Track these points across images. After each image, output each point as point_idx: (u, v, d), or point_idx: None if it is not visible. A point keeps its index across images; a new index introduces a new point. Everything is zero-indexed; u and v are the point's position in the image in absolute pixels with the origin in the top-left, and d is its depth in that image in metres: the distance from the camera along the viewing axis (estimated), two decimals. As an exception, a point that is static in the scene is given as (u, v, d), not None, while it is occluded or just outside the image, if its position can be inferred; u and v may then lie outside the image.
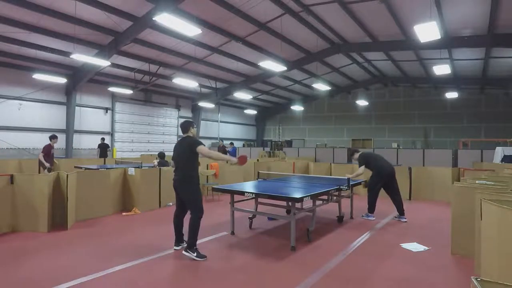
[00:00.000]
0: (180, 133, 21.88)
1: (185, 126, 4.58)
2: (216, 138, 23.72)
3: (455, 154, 14.47)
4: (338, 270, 3.92)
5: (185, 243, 4.57)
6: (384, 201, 7.05)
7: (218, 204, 8.07)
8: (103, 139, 15.57)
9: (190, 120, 4.87)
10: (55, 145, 9.39)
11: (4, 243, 4.78)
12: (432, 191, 9.01)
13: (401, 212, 6.60)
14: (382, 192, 6.76)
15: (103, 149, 14.99)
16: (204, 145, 4.44)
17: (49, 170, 8.61)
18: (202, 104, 20.44)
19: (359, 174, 6.78)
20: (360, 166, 6.85)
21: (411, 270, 3.94)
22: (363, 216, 6.78)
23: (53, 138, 8.94)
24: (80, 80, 14.91)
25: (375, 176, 6.75)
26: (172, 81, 15.72)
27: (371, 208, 6.72)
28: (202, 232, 5.43)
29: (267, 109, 27.80)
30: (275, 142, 23.65)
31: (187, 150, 4.40)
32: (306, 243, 4.92)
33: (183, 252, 4.32)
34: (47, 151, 8.83)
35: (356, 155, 7.12)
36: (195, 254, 4.21)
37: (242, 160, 4.58)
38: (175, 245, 4.63)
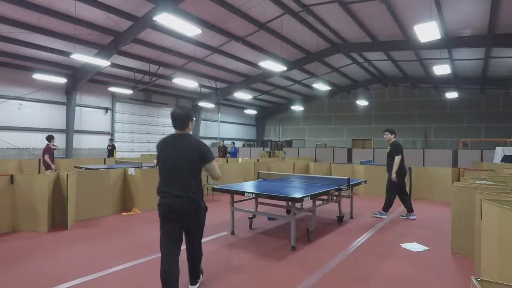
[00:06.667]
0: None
1: (184, 119, 3.02)
2: (216, 138, 23.72)
3: (455, 154, 14.46)
4: (338, 270, 3.92)
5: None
6: (383, 200, 7.04)
7: (218, 204, 8.07)
8: (111, 139, 16.29)
9: (189, 108, 3.23)
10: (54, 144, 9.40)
11: (4, 243, 4.78)
12: (432, 191, 9.01)
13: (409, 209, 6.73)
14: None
15: (111, 150, 15.48)
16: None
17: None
18: (202, 104, 20.44)
19: (397, 164, 6.41)
20: (397, 155, 6.44)
21: (411, 270, 3.94)
22: (376, 215, 6.83)
23: (51, 139, 8.83)
24: (80, 80, 14.91)
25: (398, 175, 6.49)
26: (172, 81, 15.72)
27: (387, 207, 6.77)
28: (202, 232, 5.45)
29: (267, 109, 27.80)
30: (275, 142, 23.63)
31: (194, 156, 2.99)
32: (306, 243, 4.92)
33: (190, 287, 3.27)
34: (50, 152, 8.77)
35: (391, 137, 6.63)
36: (201, 276, 3.48)
37: None
38: None
